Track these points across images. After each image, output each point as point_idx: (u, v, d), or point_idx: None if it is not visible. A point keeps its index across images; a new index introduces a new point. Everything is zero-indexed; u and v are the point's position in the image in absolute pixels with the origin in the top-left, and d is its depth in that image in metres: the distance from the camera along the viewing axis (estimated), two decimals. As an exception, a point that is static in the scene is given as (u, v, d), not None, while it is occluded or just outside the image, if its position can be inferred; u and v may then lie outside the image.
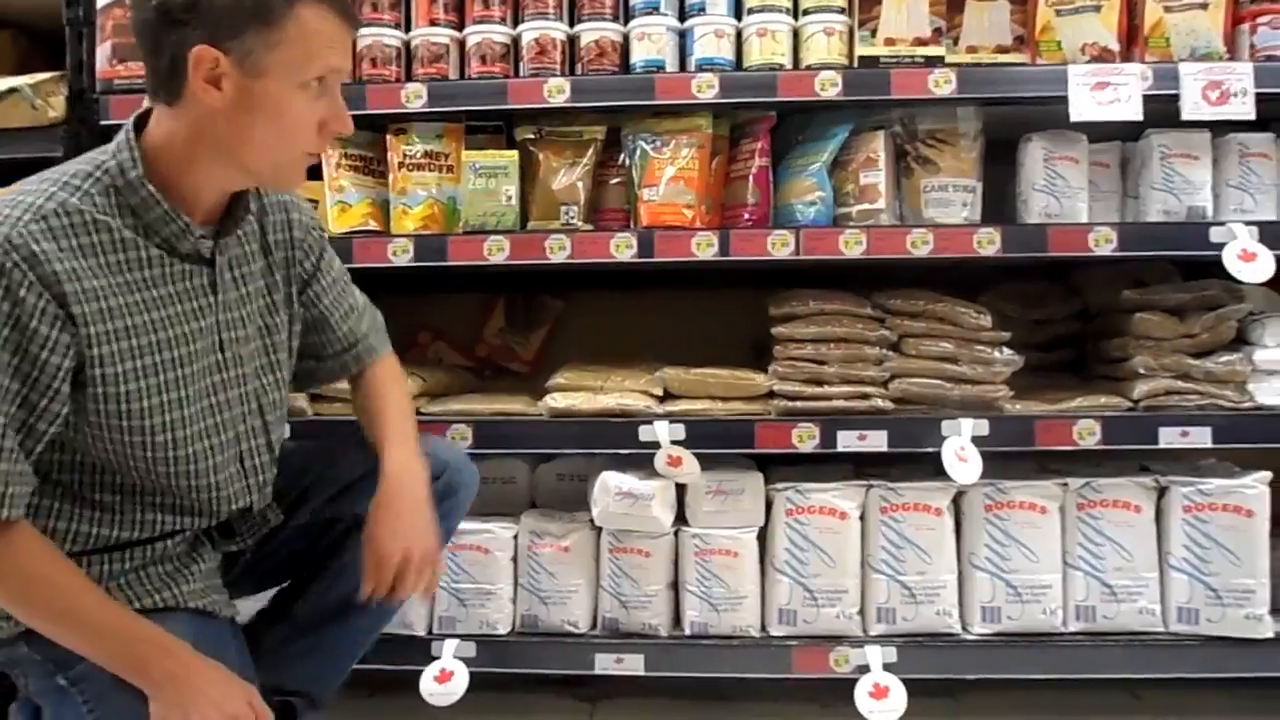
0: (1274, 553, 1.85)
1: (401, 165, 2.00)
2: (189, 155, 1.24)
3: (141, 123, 1.28)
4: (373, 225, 2.01)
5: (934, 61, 1.90)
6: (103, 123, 1.98)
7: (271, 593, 1.62)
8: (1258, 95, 1.82)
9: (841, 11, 1.93)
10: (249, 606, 1.61)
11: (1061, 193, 1.92)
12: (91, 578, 1.27)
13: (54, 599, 1.21)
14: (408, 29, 2.02)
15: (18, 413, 1.16)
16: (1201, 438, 1.83)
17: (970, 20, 1.94)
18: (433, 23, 1.99)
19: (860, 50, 1.92)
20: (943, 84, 1.86)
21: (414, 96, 1.93)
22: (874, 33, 1.91)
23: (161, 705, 1.21)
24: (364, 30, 1.98)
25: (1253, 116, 1.83)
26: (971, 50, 1.94)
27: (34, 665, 1.28)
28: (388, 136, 2.02)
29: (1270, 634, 1.82)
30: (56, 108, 1.98)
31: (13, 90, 1.95)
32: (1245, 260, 1.79)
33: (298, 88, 1.21)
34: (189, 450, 1.31)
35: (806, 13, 1.94)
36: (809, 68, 1.92)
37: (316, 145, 1.29)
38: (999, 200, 2.09)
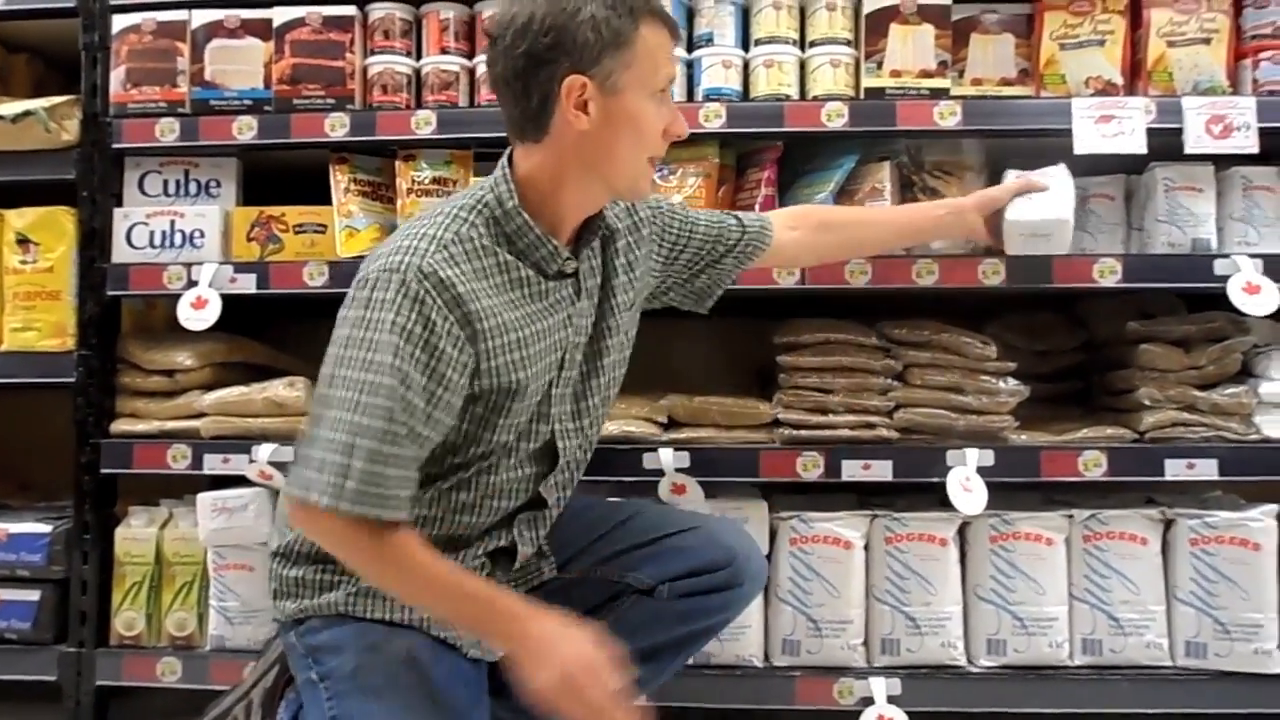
0: (1282, 587, 1.84)
1: (410, 191, 2.01)
2: (556, 182, 1.35)
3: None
4: (380, 250, 2.01)
5: (939, 93, 1.92)
6: (115, 146, 2.01)
7: None
8: (1261, 129, 1.83)
9: (848, 44, 1.95)
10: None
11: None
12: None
13: (423, 592, 1.30)
14: (419, 57, 2.04)
15: (417, 427, 1.27)
16: (1208, 470, 1.83)
17: (975, 53, 1.97)
18: (443, 51, 2.02)
19: (866, 82, 1.94)
20: (948, 116, 1.88)
21: (423, 123, 1.95)
22: (880, 64, 1.93)
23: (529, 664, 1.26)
24: (375, 58, 2.01)
25: (1256, 150, 1.85)
26: (976, 82, 1.97)
27: (297, 655, 1.38)
28: (397, 163, 2.03)
29: (1279, 669, 1.81)
30: (70, 131, 2.01)
31: (28, 113, 1.97)
32: (1250, 293, 1.79)
33: (648, 98, 1.33)
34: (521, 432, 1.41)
35: (813, 44, 1.96)
36: (815, 98, 1.94)
37: (660, 150, 1.39)
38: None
